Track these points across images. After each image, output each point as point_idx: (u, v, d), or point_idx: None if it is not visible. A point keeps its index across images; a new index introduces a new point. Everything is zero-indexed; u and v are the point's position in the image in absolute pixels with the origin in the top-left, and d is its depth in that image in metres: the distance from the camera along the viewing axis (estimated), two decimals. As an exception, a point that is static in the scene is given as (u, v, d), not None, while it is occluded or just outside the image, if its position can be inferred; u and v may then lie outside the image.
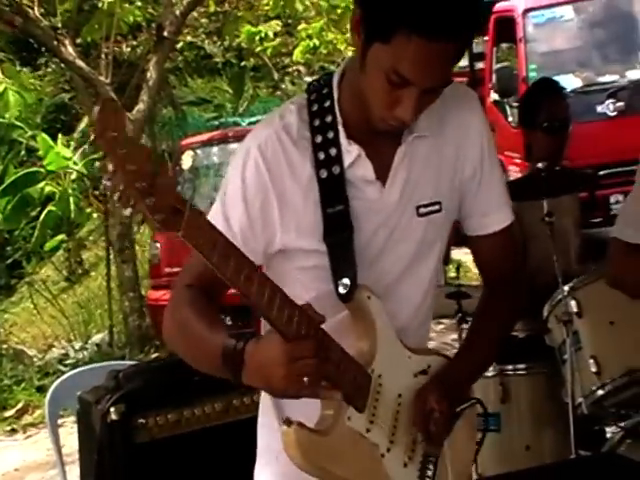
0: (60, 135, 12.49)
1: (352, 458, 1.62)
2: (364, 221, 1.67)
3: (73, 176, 11.60)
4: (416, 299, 1.78)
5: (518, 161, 8.16)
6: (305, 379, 1.47)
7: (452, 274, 9.55)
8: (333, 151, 1.66)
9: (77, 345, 8.62)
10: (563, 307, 3.13)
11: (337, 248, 1.65)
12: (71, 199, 11.23)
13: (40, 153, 12.02)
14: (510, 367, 3.39)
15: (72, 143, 12.74)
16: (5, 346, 8.51)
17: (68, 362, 7.97)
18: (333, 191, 1.65)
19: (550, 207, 3.30)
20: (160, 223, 1.34)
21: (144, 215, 1.34)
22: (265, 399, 1.82)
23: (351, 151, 1.67)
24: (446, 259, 10.05)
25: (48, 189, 11.46)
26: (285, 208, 1.65)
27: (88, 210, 11.68)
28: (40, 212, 11.49)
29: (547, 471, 2.85)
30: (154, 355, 7.80)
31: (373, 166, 1.68)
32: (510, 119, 9.06)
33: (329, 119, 1.67)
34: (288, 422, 1.55)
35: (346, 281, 1.63)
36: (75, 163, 11.71)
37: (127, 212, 1.34)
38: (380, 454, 1.67)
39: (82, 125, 13.47)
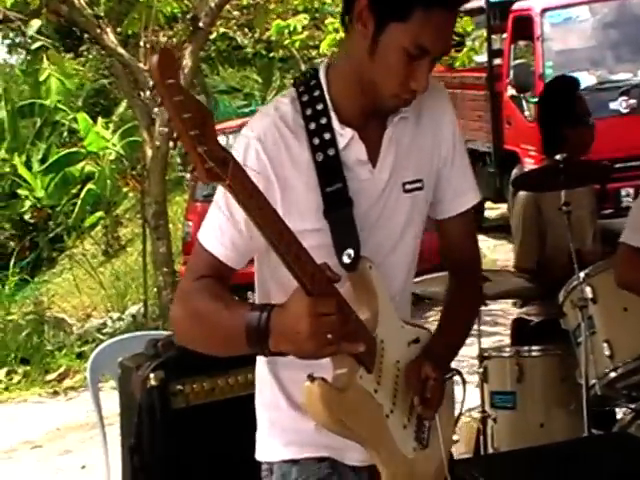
0: (100, 118, 12.54)
1: (364, 415, 1.64)
2: (358, 200, 1.69)
3: (112, 157, 11.65)
4: (404, 271, 1.81)
5: (533, 153, 8.12)
6: (329, 336, 1.47)
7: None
8: (327, 135, 1.68)
9: (114, 315, 8.67)
10: (578, 293, 3.11)
11: (339, 222, 1.67)
12: (109, 179, 11.27)
13: (81, 133, 12.07)
14: (526, 348, 3.38)
15: (111, 126, 12.78)
16: (48, 314, 8.57)
17: (106, 331, 8.03)
18: (330, 171, 1.67)
19: (567, 197, 3.27)
20: (210, 171, 1.34)
21: (195, 162, 1.33)
22: (267, 383, 1.80)
23: (344, 134, 1.69)
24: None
25: (88, 169, 11.53)
26: (286, 193, 1.66)
27: (125, 189, 11.72)
28: (80, 190, 11.55)
29: (560, 448, 2.85)
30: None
31: (365, 148, 1.71)
32: (526, 113, 9.01)
33: (320, 107, 1.69)
34: (312, 378, 1.55)
35: (350, 251, 1.65)
36: (114, 145, 11.75)
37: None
38: (385, 414, 1.69)
39: (120, 109, 13.51)
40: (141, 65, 8.74)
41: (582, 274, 3.11)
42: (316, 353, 1.50)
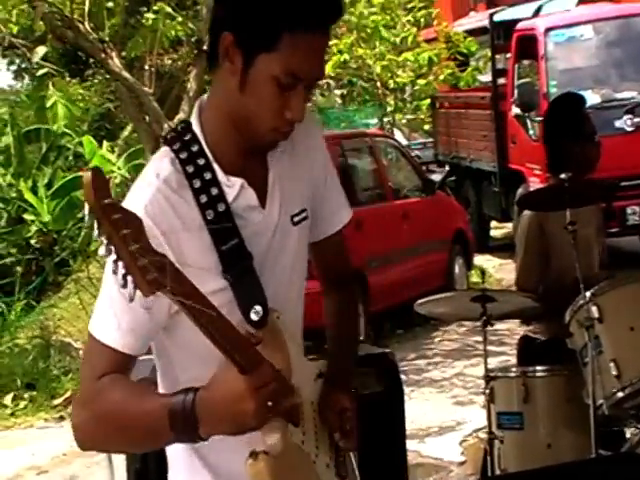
0: (105, 141, 12.60)
1: (299, 471, 1.64)
2: (255, 245, 1.65)
3: (117, 180, 11.68)
4: (299, 304, 1.79)
5: (538, 172, 8.13)
6: (270, 404, 1.43)
7: (474, 279, 9.56)
8: (214, 191, 1.61)
9: (120, 339, 8.64)
10: (585, 312, 3.11)
11: (240, 279, 1.61)
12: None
13: (86, 156, 12.12)
14: (532, 369, 3.37)
15: (116, 149, 12.83)
16: (54, 338, 8.55)
17: (111, 355, 8.00)
18: (223, 229, 1.61)
19: (573, 216, 3.27)
20: (151, 282, 1.28)
21: (136, 276, 1.27)
22: (184, 457, 1.68)
23: (232, 185, 1.63)
24: (469, 265, 10.10)
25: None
26: (183, 262, 1.54)
27: (131, 213, 11.73)
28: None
29: (568, 469, 2.84)
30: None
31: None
32: (531, 132, 9.04)
33: (202, 162, 1.62)
34: (254, 454, 1.51)
35: (258, 308, 1.60)
36: (119, 168, 11.79)
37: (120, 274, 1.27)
38: (312, 461, 1.69)
39: (125, 133, 13.58)
40: (146, 89, 8.80)
41: (588, 294, 3.11)
42: (261, 425, 1.46)
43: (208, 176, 1.61)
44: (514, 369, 3.53)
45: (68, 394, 7.28)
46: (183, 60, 12.94)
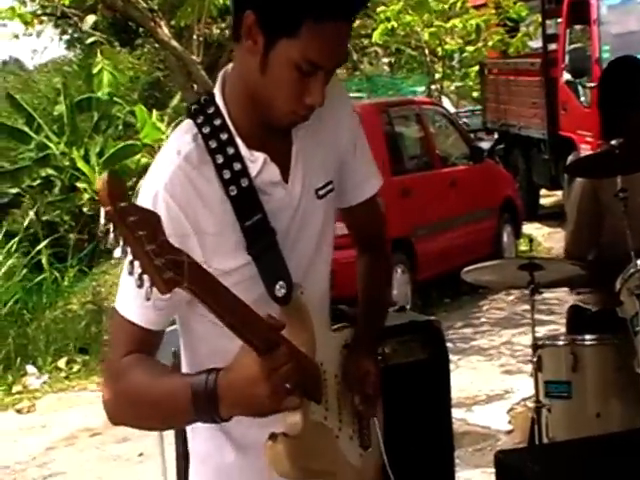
0: (154, 110, 12.67)
1: (321, 449, 1.62)
2: (277, 221, 1.62)
3: (167, 149, 11.74)
4: (325, 277, 1.77)
5: (590, 139, 7.99)
6: (288, 386, 1.41)
7: (522, 247, 9.46)
8: (237, 166, 1.59)
9: (170, 305, 8.73)
10: (636, 280, 3.03)
11: (264, 255, 1.60)
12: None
13: (137, 126, 12.22)
14: (581, 337, 3.32)
15: (165, 118, 12.90)
16: (105, 304, 8.68)
17: (161, 320, 8.09)
18: (247, 204, 1.59)
19: (625, 183, 3.19)
20: (167, 281, 1.26)
21: (152, 276, 1.25)
22: (209, 431, 1.66)
23: (255, 160, 1.61)
24: (517, 234, 10.00)
25: (144, 161, 11.64)
26: (205, 239, 1.56)
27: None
28: (136, 182, 11.68)
29: (617, 439, 2.80)
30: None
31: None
32: (582, 99, 8.87)
33: (225, 136, 1.60)
34: (274, 437, 1.50)
35: (282, 283, 1.59)
36: (168, 137, 11.87)
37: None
38: (335, 436, 1.68)
39: (175, 101, 13.64)
40: (194, 57, 8.83)
41: (639, 261, 3.05)
42: (279, 409, 1.44)
43: (231, 151, 1.59)
44: (563, 337, 3.48)
45: (119, 359, 7.40)
46: (231, 29, 12.91)
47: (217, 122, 1.60)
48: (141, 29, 11.51)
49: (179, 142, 1.60)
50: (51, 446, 5.67)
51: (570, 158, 8.44)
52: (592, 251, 3.47)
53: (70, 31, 17.68)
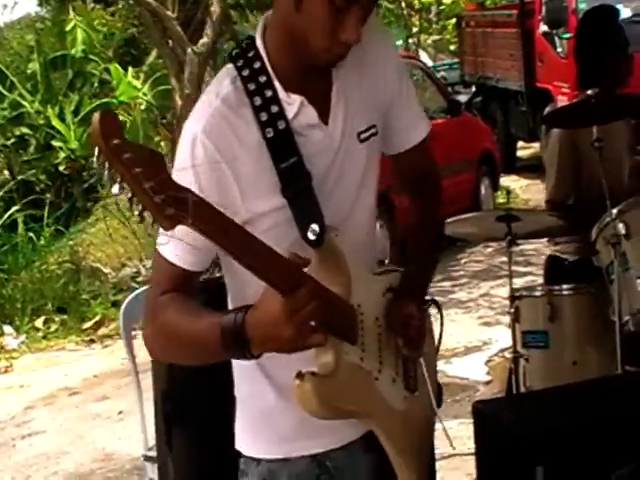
0: (130, 68, 12.50)
1: (355, 390, 1.61)
2: (315, 164, 1.62)
3: (142, 106, 11.62)
4: (367, 222, 1.75)
5: (566, 90, 7.97)
6: (312, 323, 1.41)
7: (500, 200, 9.46)
8: (275, 108, 1.60)
9: (148, 264, 8.69)
10: (611, 229, 3.05)
11: (298, 198, 1.60)
12: (141, 128, 11.26)
13: (113, 84, 12.06)
14: (558, 287, 3.33)
15: (141, 75, 12.73)
16: (83, 264, 8.62)
17: (140, 279, 8.07)
18: (283, 146, 1.60)
19: (601, 133, 3.18)
20: (171, 217, 1.26)
21: (154, 213, 1.25)
22: (249, 372, 1.71)
23: (292, 102, 1.61)
24: (495, 186, 9.99)
25: (120, 119, 11.49)
26: (242, 180, 1.58)
27: (157, 138, 11.71)
28: (112, 141, 11.54)
29: (593, 385, 2.81)
30: (218, 275, 7.84)
31: (315, 109, 1.63)
32: (559, 50, 8.83)
33: (263, 79, 1.61)
34: (301, 376, 1.50)
35: (314, 227, 1.58)
36: (144, 94, 11.71)
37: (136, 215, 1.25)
38: (374, 378, 1.66)
39: (151, 58, 13.45)
40: (169, 13, 8.68)
41: (615, 210, 3.05)
42: (304, 347, 1.44)
43: (269, 93, 1.60)
44: (540, 288, 3.49)
45: (97, 318, 7.38)
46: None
47: (256, 65, 1.62)
48: (114, -15, 11.32)
49: (218, 85, 1.63)
50: (30, 405, 5.65)
51: (547, 109, 8.40)
52: (571, 197, 3.47)
53: (42, -12, 17.34)
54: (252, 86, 1.60)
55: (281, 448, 1.71)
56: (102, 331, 7.17)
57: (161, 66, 11.55)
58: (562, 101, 7.96)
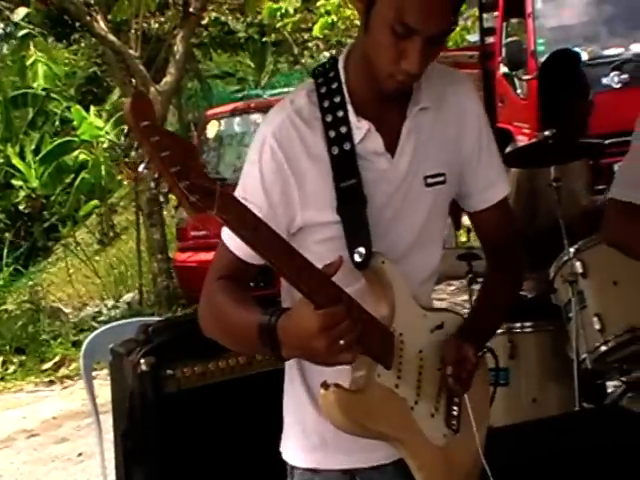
0: (92, 106, 12.50)
1: (385, 413, 1.62)
2: (376, 191, 1.66)
3: (105, 145, 11.61)
4: (426, 268, 1.77)
5: (526, 131, 8.10)
6: (342, 342, 1.44)
7: (463, 238, 9.54)
8: (343, 129, 1.65)
9: (109, 304, 8.66)
10: (569, 268, 3.11)
11: (351, 219, 1.64)
12: (103, 167, 11.25)
13: (74, 123, 12.05)
14: (518, 325, 3.37)
15: (104, 114, 12.73)
16: (43, 304, 8.55)
17: (101, 319, 8.02)
18: (345, 166, 1.64)
19: (559, 173, 3.26)
20: (195, 204, 1.32)
21: (179, 198, 1.32)
22: (291, 378, 1.78)
23: (361, 127, 1.66)
24: (458, 225, 10.05)
25: (82, 157, 11.49)
26: (303, 187, 1.64)
27: (119, 177, 11.70)
28: (74, 179, 11.53)
29: (553, 422, 2.85)
30: (181, 313, 7.82)
31: (382, 139, 1.67)
32: (519, 91, 8.98)
33: (338, 99, 1.67)
34: (326, 385, 1.54)
35: (361, 250, 1.62)
36: (107, 132, 11.71)
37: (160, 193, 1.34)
38: (409, 407, 1.67)
39: (114, 97, 13.46)
40: (132, 52, 8.71)
41: (572, 249, 3.11)
42: (333, 364, 1.47)
43: (340, 114, 1.66)
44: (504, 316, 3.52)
45: (57, 358, 7.30)
46: (170, 23, 12.80)
47: (334, 85, 1.69)
48: (77, 23, 11.32)
49: (295, 95, 1.71)
50: (-13, 449, 5.58)
51: (508, 149, 8.55)
52: (529, 236, 3.53)
53: (2, 25, 17.32)
54: (326, 103, 1.67)
55: (312, 457, 1.75)
56: (62, 372, 7.09)
57: (124, 105, 11.56)
58: (522, 141, 8.10)
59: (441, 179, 1.72)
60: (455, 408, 1.73)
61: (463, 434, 1.74)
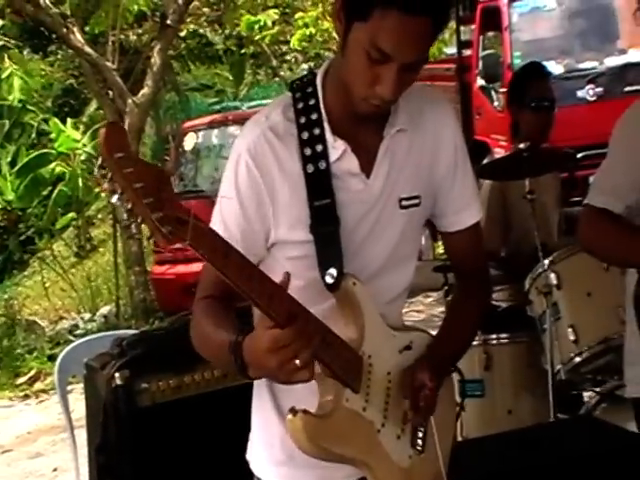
0: (69, 118, 12.44)
1: (352, 437, 1.62)
2: (349, 211, 1.65)
3: (82, 157, 11.55)
4: (398, 287, 1.77)
5: (503, 143, 8.15)
6: (297, 361, 1.43)
7: (440, 250, 9.58)
8: (319, 147, 1.64)
9: (86, 317, 8.61)
10: (543, 280, 3.13)
11: (323, 239, 1.63)
12: (80, 179, 11.19)
13: (52, 136, 11.99)
14: (494, 336, 3.38)
15: (80, 126, 12.67)
16: (18, 317, 8.49)
17: (77, 333, 7.96)
18: (319, 185, 1.63)
19: (532, 185, 3.28)
20: (168, 234, 1.32)
21: (152, 229, 1.31)
22: (258, 389, 1.78)
23: (337, 147, 1.65)
24: (435, 236, 10.07)
25: (58, 170, 11.42)
26: (277, 204, 1.64)
27: (96, 189, 11.63)
28: (51, 192, 11.45)
29: (528, 433, 2.86)
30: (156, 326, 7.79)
31: (358, 159, 1.66)
32: (495, 104, 9.04)
33: (314, 116, 1.66)
34: (294, 411, 1.54)
35: (332, 271, 1.61)
36: (84, 145, 11.66)
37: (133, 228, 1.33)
38: (376, 430, 1.67)
39: (90, 109, 13.41)
40: (109, 64, 8.70)
41: (546, 261, 3.13)
42: (289, 381, 1.47)
43: (317, 132, 1.65)
44: (476, 337, 3.54)
45: (32, 372, 7.24)
46: (147, 35, 12.79)
47: (311, 102, 1.67)
48: (54, 35, 11.28)
49: (270, 110, 1.69)
50: (-40, 465, 5.51)
51: (485, 162, 8.60)
52: (503, 249, 3.56)
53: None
54: (303, 120, 1.66)
55: (278, 471, 1.75)
56: (37, 386, 7.03)
57: (101, 117, 11.53)
58: (499, 153, 8.14)
59: (416, 202, 1.72)
60: (421, 429, 1.73)
61: (428, 454, 1.74)
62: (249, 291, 1.42)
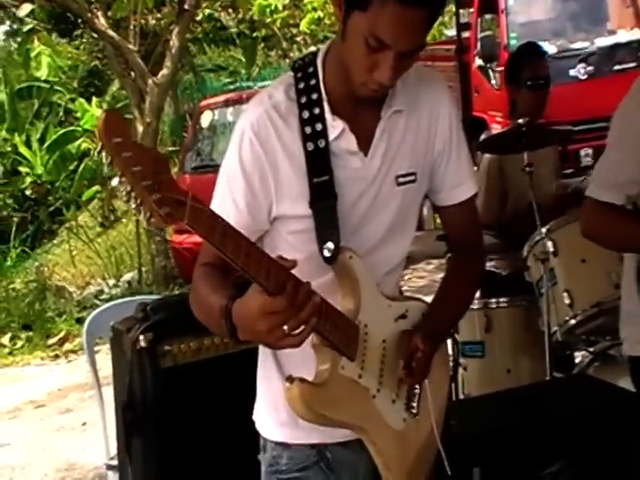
0: (94, 98, 12.42)
1: (348, 403, 1.60)
2: (348, 188, 1.63)
3: (105, 134, 11.52)
4: (394, 262, 1.74)
5: (500, 119, 8.10)
6: (285, 327, 1.40)
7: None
8: (319, 126, 1.61)
9: (110, 283, 8.62)
10: (541, 247, 3.10)
11: (322, 214, 1.61)
12: (104, 154, 11.18)
13: (78, 114, 11.98)
14: (494, 300, 3.36)
15: (104, 105, 12.65)
16: (49, 283, 8.51)
17: (103, 297, 7.98)
18: (319, 163, 1.61)
19: (530, 158, 3.24)
20: (166, 215, 1.28)
21: (150, 210, 1.27)
22: (264, 355, 1.76)
23: (336, 126, 1.62)
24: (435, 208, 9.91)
25: (84, 146, 11.43)
26: (278, 179, 1.61)
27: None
28: (77, 166, 11.47)
29: (525, 391, 2.84)
30: (178, 292, 7.78)
31: (356, 138, 1.64)
32: (492, 82, 8.98)
33: (315, 96, 1.62)
34: (290, 379, 1.52)
35: (330, 245, 1.59)
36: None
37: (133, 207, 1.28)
38: (372, 395, 1.65)
39: (113, 89, 13.38)
40: (131, 46, 8.64)
41: (544, 229, 3.10)
42: (279, 346, 1.44)
43: (317, 111, 1.62)
44: (476, 301, 3.51)
45: (62, 334, 7.26)
46: (166, 19, 12.69)
47: (312, 82, 1.63)
48: (79, 20, 11.20)
49: (273, 89, 1.66)
50: (-5, 419, 5.54)
51: (482, 137, 8.54)
52: (502, 218, 3.52)
53: (9, 22, 17.15)
54: (303, 99, 1.62)
55: (281, 431, 1.73)
56: (66, 347, 7.05)
57: (123, 96, 11.48)
58: (496, 129, 8.09)
59: (412, 178, 1.69)
60: (416, 392, 1.71)
61: (422, 416, 1.72)
62: (246, 267, 1.38)
